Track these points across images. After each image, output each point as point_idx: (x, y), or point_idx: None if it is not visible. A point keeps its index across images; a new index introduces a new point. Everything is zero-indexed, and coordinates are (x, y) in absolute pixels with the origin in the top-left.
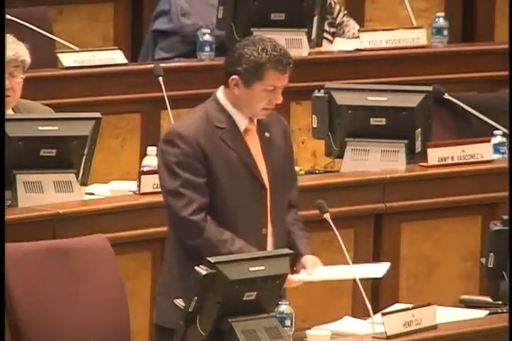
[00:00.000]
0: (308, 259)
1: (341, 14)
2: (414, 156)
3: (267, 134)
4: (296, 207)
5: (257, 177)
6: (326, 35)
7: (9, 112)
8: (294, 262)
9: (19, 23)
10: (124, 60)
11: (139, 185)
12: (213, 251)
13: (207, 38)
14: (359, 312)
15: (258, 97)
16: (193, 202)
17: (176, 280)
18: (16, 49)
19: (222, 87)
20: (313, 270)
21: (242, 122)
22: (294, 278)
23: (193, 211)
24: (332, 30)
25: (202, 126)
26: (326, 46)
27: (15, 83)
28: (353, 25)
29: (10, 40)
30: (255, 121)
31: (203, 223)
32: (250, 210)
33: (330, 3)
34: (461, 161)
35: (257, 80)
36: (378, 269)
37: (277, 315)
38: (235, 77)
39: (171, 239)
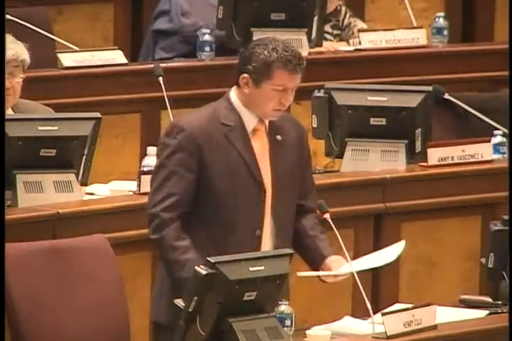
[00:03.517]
0: (332, 260)
1: (348, 16)
2: (414, 156)
3: (278, 137)
4: (314, 212)
5: (256, 178)
6: (328, 36)
7: (9, 112)
8: (318, 264)
9: (19, 23)
10: (124, 60)
11: (139, 185)
12: (163, 252)
13: (207, 38)
14: (359, 312)
15: (267, 97)
16: (170, 198)
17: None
18: (16, 49)
19: (234, 86)
20: (340, 269)
21: (250, 122)
22: (311, 274)
23: (164, 207)
24: (336, 32)
25: (206, 123)
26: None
27: (15, 83)
28: (360, 25)
29: (9, 39)
30: (266, 122)
31: (169, 222)
32: (246, 211)
33: (336, 7)
34: (461, 161)
35: (266, 79)
36: (392, 253)
37: (277, 315)
38: (245, 75)
39: None
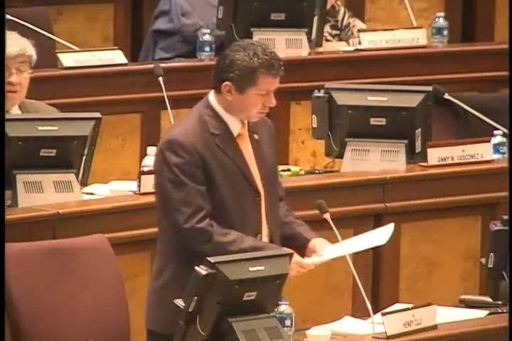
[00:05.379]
0: (316, 242)
1: (346, 16)
2: (414, 156)
3: (255, 136)
4: (283, 200)
5: (251, 183)
6: (328, 37)
7: (16, 111)
8: (303, 249)
9: (19, 23)
10: (124, 60)
11: (139, 185)
12: (225, 253)
13: (207, 38)
14: (359, 312)
15: (252, 102)
16: (201, 210)
17: (174, 287)
18: (23, 44)
19: (212, 92)
20: (324, 251)
21: (235, 127)
22: (308, 261)
23: (199, 218)
24: (335, 32)
25: (199, 133)
26: (327, 48)
27: (22, 78)
28: (360, 25)
29: (14, 36)
30: (246, 124)
31: (210, 228)
32: (246, 216)
33: (333, 6)
34: (461, 161)
35: (251, 85)
36: (382, 236)
37: (277, 315)
38: (227, 83)
39: (166, 247)
